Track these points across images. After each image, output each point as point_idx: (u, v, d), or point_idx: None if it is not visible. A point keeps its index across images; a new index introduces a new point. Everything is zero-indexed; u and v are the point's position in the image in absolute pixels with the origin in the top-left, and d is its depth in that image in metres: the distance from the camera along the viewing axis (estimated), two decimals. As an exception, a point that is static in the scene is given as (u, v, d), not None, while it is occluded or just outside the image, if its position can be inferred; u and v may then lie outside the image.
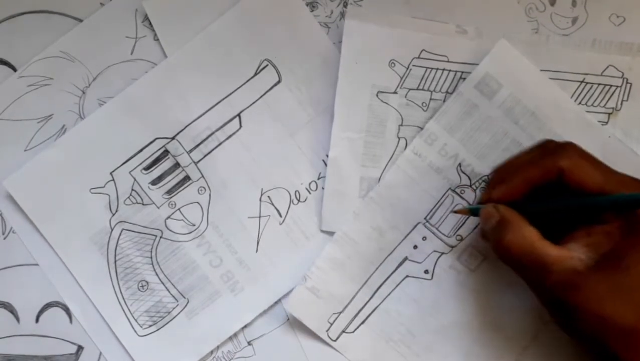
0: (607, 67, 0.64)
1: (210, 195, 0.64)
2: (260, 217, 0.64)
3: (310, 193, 0.64)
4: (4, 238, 0.63)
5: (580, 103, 0.63)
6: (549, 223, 0.52)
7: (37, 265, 0.63)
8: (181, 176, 0.64)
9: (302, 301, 0.62)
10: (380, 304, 0.62)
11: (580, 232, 0.51)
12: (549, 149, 0.53)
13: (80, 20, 0.65)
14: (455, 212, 0.61)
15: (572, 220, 0.52)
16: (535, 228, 0.51)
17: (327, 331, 0.62)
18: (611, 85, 0.64)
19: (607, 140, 0.62)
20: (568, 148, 0.52)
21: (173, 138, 0.64)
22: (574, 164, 0.50)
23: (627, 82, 0.64)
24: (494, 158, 0.62)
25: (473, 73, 0.62)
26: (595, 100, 0.64)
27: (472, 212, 0.58)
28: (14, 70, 0.64)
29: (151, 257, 0.63)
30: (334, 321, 0.62)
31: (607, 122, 0.64)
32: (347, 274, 0.62)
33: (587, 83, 0.64)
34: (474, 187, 0.62)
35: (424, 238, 0.62)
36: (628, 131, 0.63)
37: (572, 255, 0.49)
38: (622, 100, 0.64)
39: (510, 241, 0.50)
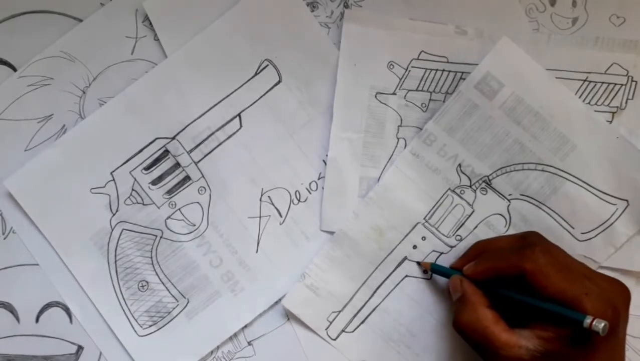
0: (611, 65, 0.63)
1: (210, 195, 0.64)
2: (260, 217, 0.64)
3: (310, 193, 0.64)
4: (4, 238, 0.64)
5: (583, 102, 0.63)
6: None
7: (37, 265, 0.63)
8: (181, 176, 0.64)
9: (300, 298, 0.62)
10: (379, 304, 0.62)
11: (538, 323, 0.52)
12: (522, 245, 0.54)
13: (81, 20, 0.65)
14: (418, 263, 0.62)
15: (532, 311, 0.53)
16: (492, 310, 0.54)
17: (326, 329, 0.62)
18: (615, 84, 0.63)
19: (615, 141, 0.62)
20: (536, 251, 0.53)
21: (173, 138, 0.64)
22: (537, 269, 0.51)
23: (632, 80, 0.63)
24: (495, 159, 0.62)
25: (473, 72, 0.62)
26: (599, 99, 0.63)
27: (434, 269, 0.61)
28: (14, 70, 0.64)
29: (151, 257, 0.63)
30: (334, 320, 0.62)
31: (611, 121, 0.63)
32: (346, 273, 0.62)
33: (590, 82, 0.63)
34: (473, 187, 0.62)
35: (424, 238, 0.62)
36: (633, 130, 0.63)
37: (521, 343, 0.51)
38: (627, 99, 0.63)
39: (466, 319, 0.54)
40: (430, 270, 0.61)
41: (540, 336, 0.51)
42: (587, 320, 0.48)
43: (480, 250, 0.59)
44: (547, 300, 0.51)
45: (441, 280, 0.62)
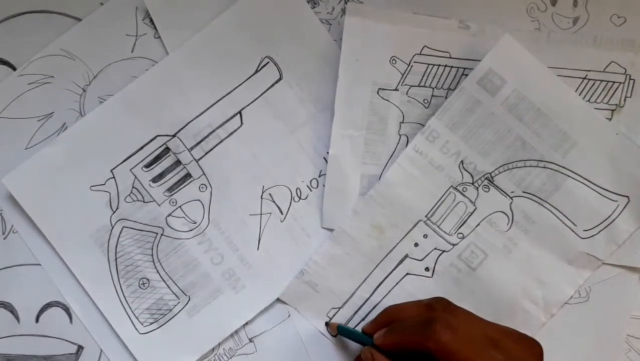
0: (610, 63, 0.63)
1: (211, 192, 0.64)
2: (261, 214, 0.64)
3: (311, 190, 0.64)
4: (4, 238, 0.63)
5: (583, 99, 0.63)
6: None
7: (36, 264, 0.63)
8: (182, 173, 0.63)
9: (298, 293, 0.62)
10: (380, 301, 0.62)
11: None
12: (427, 320, 0.52)
13: (80, 21, 0.65)
14: (327, 323, 0.62)
15: None
16: None
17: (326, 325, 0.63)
18: (614, 82, 0.63)
19: (614, 137, 0.62)
20: (438, 329, 0.51)
21: (174, 135, 0.63)
22: (440, 349, 0.50)
23: (630, 79, 0.64)
24: (497, 155, 0.62)
25: (476, 69, 0.62)
26: (598, 97, 0.63)
27: (340, 331, 0.60)
28: (14, 70, 0.64)
29: (152, 255, 0.63)
30: (333, 316, 0.62)
31: (610, 119, 0.63)
32: (346, 270, 0.62)
33: (589, 79, 0.63)
34: (476, 184, 0.62)
35: (425, 236, 0.62)
36: (632, 127, 0.63)
37: None
38: (626, 97, 0.64)
39: None
40: (337, 332, 0.60)
41: None
42: None
43: (389, 318, 0.57)
44: None
45: (443, 278, 0.62)
